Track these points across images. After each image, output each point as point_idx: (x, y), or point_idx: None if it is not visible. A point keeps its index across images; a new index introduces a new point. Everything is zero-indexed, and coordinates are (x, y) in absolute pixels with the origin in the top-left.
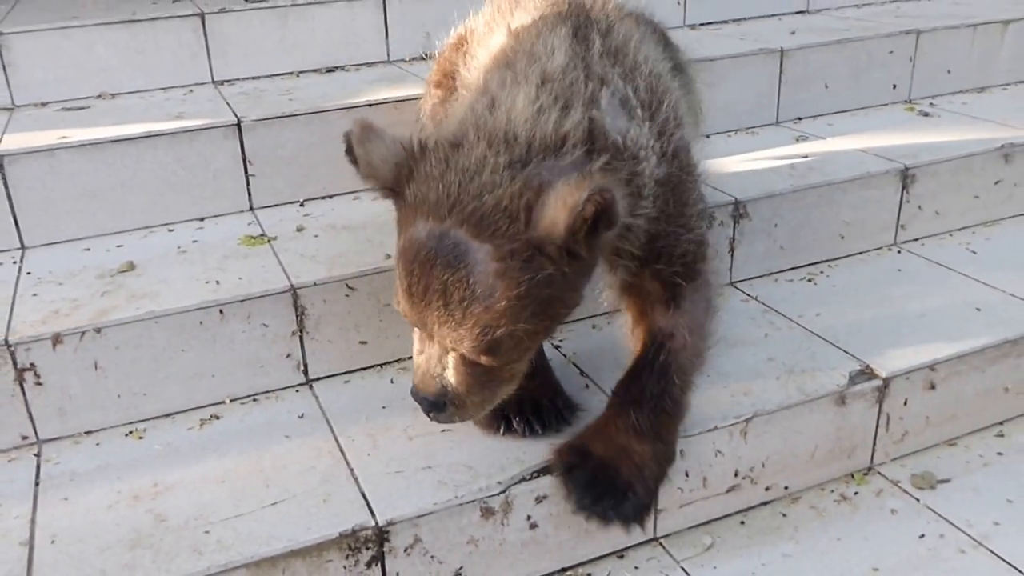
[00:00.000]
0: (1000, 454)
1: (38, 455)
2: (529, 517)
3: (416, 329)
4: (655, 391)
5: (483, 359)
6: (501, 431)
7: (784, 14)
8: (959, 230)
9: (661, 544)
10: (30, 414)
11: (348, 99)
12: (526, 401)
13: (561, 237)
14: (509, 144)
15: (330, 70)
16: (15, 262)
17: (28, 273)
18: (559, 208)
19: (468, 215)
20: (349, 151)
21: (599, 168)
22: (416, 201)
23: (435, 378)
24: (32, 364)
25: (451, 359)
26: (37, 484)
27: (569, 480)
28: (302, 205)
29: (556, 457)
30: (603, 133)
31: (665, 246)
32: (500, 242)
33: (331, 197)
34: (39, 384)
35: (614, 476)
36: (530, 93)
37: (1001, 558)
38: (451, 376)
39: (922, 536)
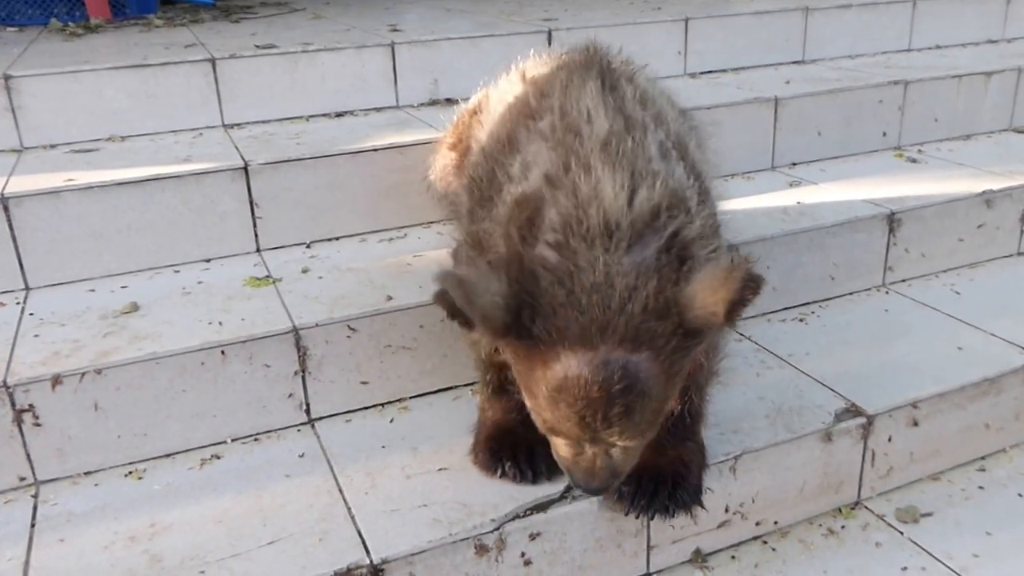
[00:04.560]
0: (981, 488)
1: (35, 496)
2: (523, 554)
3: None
4: (677, 410)
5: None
6: (499, 475)
7: (780, 64)
8: (944, 272)
9: None
10: (28, 455)
11: (355, 144)
12: (520, 446)
13: (723, 323)
14: (614, 235)
15: (339, 115)
16: (18, 303)
17: (31, 314)
18: (717, 296)
19: (622, 335)
20: (455, 315)
21: (726, 253)
22: (555, 336)
23: (603, 469)
24: (31, 405)
25: (617, 450)
26: (33, 526)
27: (619, 495)
28: (308, 247)
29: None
30: (674, 193)
31: None
32: (659, 343)
33: (337, 239)
34: (38, 425)
35: (659, 475)
36: (610, 175)
37: None
38: (621, 461)
39: (904, 569)
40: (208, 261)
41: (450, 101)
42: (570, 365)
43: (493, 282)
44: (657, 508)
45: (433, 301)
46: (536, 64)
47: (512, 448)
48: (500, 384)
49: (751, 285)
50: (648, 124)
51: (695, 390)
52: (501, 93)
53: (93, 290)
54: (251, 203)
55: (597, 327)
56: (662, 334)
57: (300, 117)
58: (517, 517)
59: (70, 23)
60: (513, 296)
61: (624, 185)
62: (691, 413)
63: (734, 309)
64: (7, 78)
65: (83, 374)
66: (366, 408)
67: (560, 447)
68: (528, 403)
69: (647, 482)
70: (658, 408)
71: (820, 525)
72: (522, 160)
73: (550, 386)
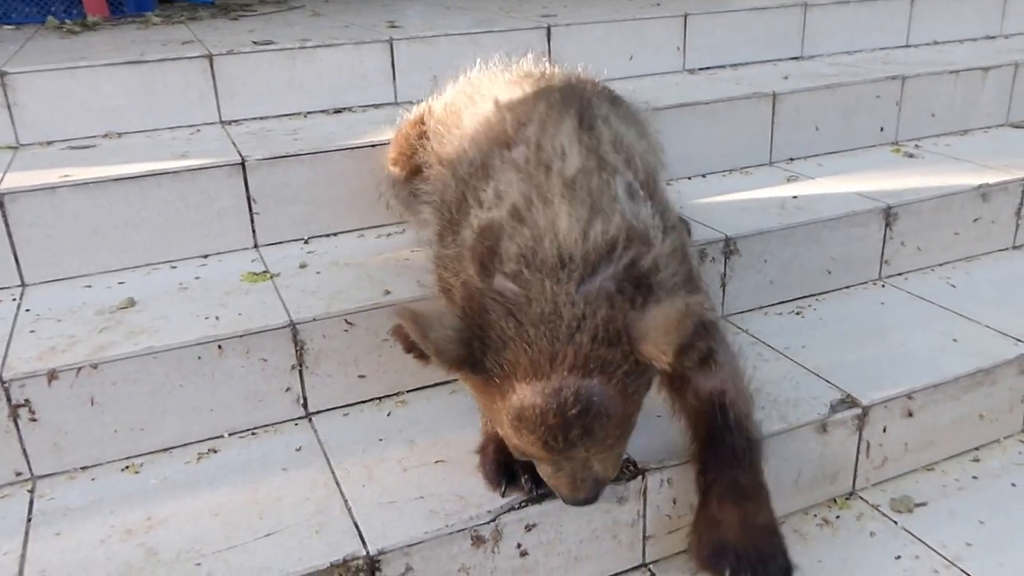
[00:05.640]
0: (975, 478)
1: (32, 491)
2: (519, 545)
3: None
4: (741, 445)
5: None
6: (503, 490)
7: (779, 60)
8: (940, 265)
9: (650, 569)
10: (24, 450)
11: (353, 139)
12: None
13: (670, 365)
14: (567, 267)
15: (337, 111)
16: (14, 299)
17: (27, 310)
18: (668, 338)
19: (572, 363)
20: (411, 349)
21: (679, 292)
22: (507, 369)
23: (584, 481)
24: (27, 400)
25: (595, 460)
26: (29, 520)
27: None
28: (306, 242)
29: (705, 565)
30: (633, 228)
31: None
32: (611, 369)
33: (335, 235)
34: (34, 420)
35: (754, 556)
36: (567, 210)
37: None
38: (600, 470)
39: (898, 557)
40: (205, 257)
41: None
42: (524, 395)
43: (447, 316)
44: None
45: (390, 335)
46: (492, 80)
47: (526, 461)
48: None
49: (701, 332)
50: (618, 167)
51: (746, 420)
52: (453, 116)
53: (89, 286)
54: (248, 199)
55: (546, 358)
56: (613, 360)
57: (298, 113)
58: (513, 509)
59: (67, 20)
60: (465, 330)
61: (580, 219)
62: (753, 443)
63: (682, 353)
64: (2, 75)
65: (79, 369)
66: (363, 402)
67: (540, 467)
68: (498, 430)
69: (745, 563)
70: (621, 422)
71: (815, 515)
72: (495, 188)
73: (510, 416)
